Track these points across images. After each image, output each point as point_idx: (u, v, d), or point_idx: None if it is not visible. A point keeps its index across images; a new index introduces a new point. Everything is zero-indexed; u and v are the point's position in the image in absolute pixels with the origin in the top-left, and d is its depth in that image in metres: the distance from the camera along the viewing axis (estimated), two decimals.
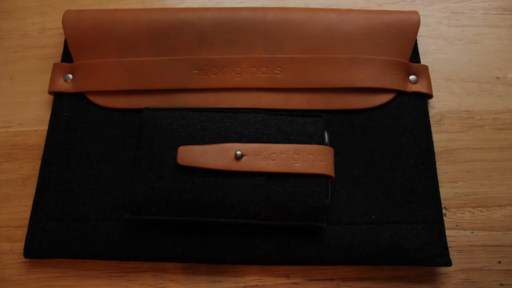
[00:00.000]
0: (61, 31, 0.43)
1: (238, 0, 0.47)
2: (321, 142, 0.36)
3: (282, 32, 0.41)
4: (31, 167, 0.40)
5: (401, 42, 0.40)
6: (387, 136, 0.38)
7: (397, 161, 0.37)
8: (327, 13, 0.41)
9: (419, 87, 0.40)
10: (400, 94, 0.40)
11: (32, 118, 0.42)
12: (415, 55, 0.42)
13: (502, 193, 0.38)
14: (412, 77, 0.40)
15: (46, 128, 0.40)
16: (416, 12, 0.42)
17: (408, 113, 0.39)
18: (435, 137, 0.40)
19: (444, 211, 0.38)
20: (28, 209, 0.37)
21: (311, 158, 0.35)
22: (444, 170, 0.39)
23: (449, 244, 0.36)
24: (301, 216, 0.34)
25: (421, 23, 0.41)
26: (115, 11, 0.42)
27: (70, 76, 0.41)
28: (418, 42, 0.43)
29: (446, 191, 0.38)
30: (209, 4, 0.47)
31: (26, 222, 0.37)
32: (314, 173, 0.34)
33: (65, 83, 0.41)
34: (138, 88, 0.40)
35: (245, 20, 0.41)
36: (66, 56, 0.42)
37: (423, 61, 0.43)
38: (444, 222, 0.36)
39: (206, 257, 0.35)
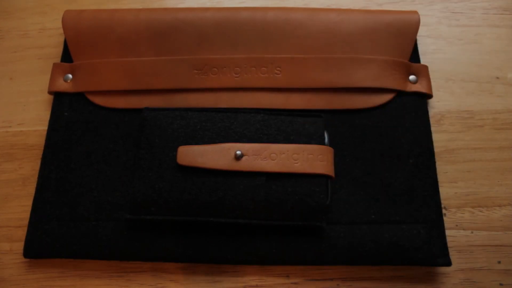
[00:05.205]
0: (61, 31, 0.43)
1: (238, 0, 0.47)
2: (321, 142, 0.36)
3: (282, 32, 0.41)
4: (31, 167, 0.40)
5: (401, 42, 0.40)
6: (387, 136, 0.38)
7: (397, 161, 0.37)
8: (327, 13, 0.41)
9: (419, 87, 0.40)
10: (400, 94, 0.40)
11: (32, 118, 0.42)
12: (415, 55, 0.42)
13: (502, 193, 0.38)
14: (412, 77, 0.40)
15: (46, 128, 0.40)
16: (416, 12, 0.42)
17: (408, 113, 0.39)
18: (435, 137, 0.40)
19: (444, 211, 0.38)
20: (28, 209, 0.37)
21: (311, 158, 0.35)
22: (444, 170, 0.39)
23: (449, 244, 0.36)
24: (301, 216, 0.34)
25: (421, 23, 0.41)
26: (115, 11, 0.42)
27: (70, 76, 0.41)
28: (418, 42, 0.43)
29: (446, 191, 0.38)
30: (209, 4, 0.47)
31: (26, 222, 0.37)
32: (314, 173, 0.34)
33: (65, 83, 0.41)
34: (138, 88, 0.40)
35: (245, 20, 0.41)
36: (66, 56, 0.42)
37: (423, 61, 0.43)
38: (444, 222, 0.36)
39: (206, 257, 0.35)
